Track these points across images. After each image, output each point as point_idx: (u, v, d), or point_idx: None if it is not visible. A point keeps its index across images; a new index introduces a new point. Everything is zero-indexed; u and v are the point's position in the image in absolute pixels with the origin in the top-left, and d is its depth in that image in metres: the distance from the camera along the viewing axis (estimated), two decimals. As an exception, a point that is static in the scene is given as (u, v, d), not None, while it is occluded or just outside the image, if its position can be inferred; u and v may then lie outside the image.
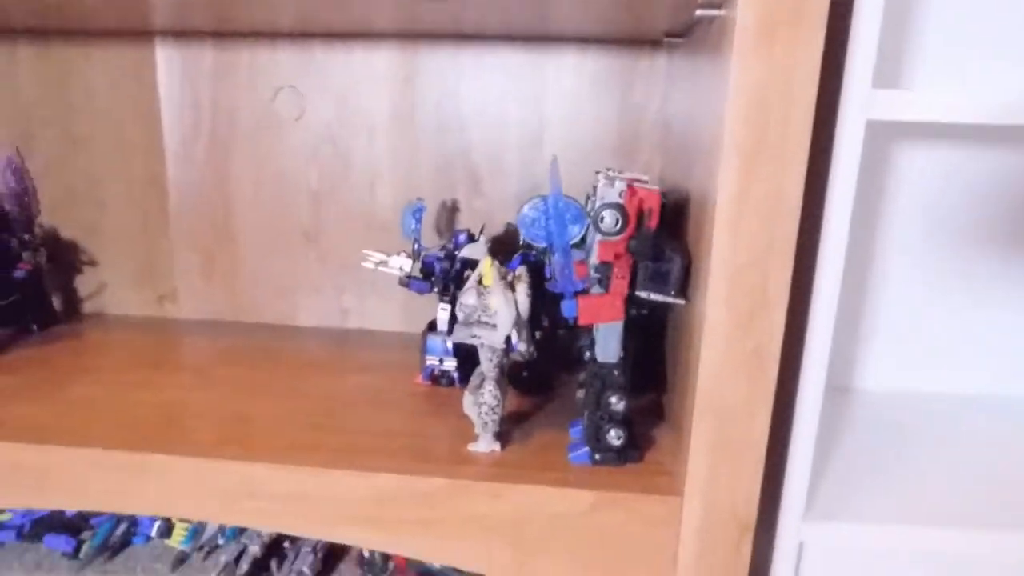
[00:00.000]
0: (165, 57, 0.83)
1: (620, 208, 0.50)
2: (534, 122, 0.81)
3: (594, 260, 0.54)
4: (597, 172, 0.57)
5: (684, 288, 0.54)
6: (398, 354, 0.82)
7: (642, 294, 0.54)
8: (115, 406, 0.66)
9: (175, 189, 0.87)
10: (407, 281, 0.69)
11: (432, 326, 0.73)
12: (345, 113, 0.83)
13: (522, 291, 0.56)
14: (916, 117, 0.52)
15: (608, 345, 0.56)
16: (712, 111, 0.51)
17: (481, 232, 0.75)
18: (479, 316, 0.56)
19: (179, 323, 0.90)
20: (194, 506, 0.58)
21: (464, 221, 0.84)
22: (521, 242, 0.71)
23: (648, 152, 0.80)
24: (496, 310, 0.55)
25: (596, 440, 0.57)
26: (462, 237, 0.72)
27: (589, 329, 0.75)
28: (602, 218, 0.50)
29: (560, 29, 0.74)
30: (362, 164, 0.84)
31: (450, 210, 0.85)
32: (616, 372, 0.56)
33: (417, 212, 0.72)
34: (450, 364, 0.71)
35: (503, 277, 0.57)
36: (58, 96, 0.85)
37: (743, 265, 0.48)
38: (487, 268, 0.57)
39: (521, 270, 0.60)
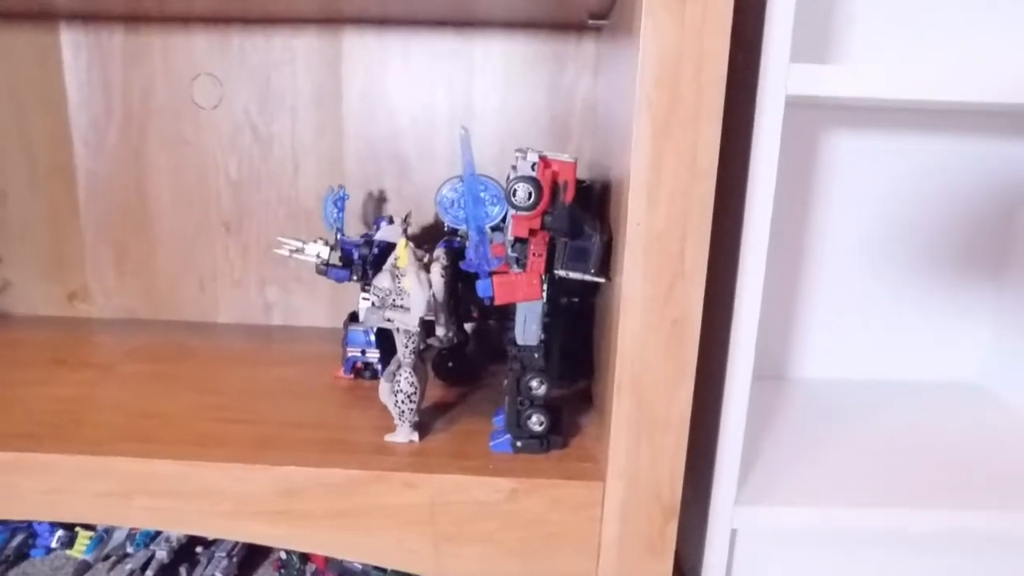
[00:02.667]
0: (71, 42, 0.79)
1: (533, 181, 0.48)
2: (463, 107, 0.79)
3: (509, 236, 0.52)
4: (517, 151, 0.55)
5: (605, 266, 0.53)
6: (322, 348, 0.78)
7: (560, 272, 0.52)
8: (5, 405, 0.61)
9: (85, 178, 0.82)
10: (324, 269, 0.66)
11: (353, 317, 0.70)
12: (266, 99, 0.80)
13: (436, 271, 0.53)
14: (835, 92, 0.52)
15: (528, 327, 0.54)
16: (629, 85, 0.49)
17: (406, 218, 0.73)
18: (393, 299, 0.54)
19: (90, 322, 0.85)
20: (82, 507, 0.54)
21: (392, 210, 0.82)
22: (446, 228, 0.68)
23: (578, 136, 0.79)
24: (409, 292, 0.52)
25: (517, 426, 0.55)
26: (383, 222, 0.69)
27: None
28: (514, 191, 0.48)
29: (487, 13, 0.72)
30: (284, 151, 0.81)
31: (377, 199, 0.82)
32: (536, 355, 0.54)
33: (339, 200, 0.69)
34: (372, 355, 0.68)
35: (419, 259, 0.55)
36: (-45, 80, 0.80)
37: (660, 233, 0.46)
38: (402, 249, 0.54)
39: (438, 251, 0.58)
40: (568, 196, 0.50)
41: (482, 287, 0.51)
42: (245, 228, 0.83)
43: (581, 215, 0.51)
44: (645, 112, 0.45)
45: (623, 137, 0.50)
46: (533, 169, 0.49)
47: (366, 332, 0.68)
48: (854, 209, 0.80)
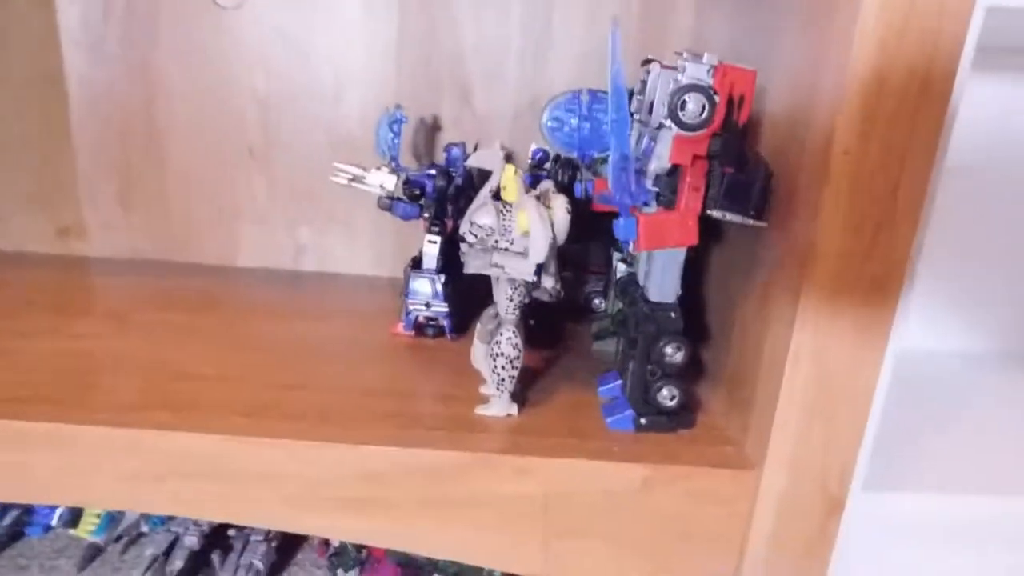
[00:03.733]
0: (63, -85, 0.64)
1: (707, 91, 0.37)
2: (539, 26, 0.67)
3: (657, 165, 0.41)
4: (647, 61, 0.44)
5: (763, 208, 0.43)
6: (368, 299, 0.68)
7: (715, 213, 0.41)
8: (2, 362, 0.50)
9: (79, 89, 0.68)
10: (389, 203, 0.55)
11: (416, 263, 0.59)
12: (303, 2, 0.66)
13: (560, 207, 0.43)
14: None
15: (666, 280, 0.44)
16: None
17: (475, 148, 0.61)
18: (497, 240, 0.43)
19: (88, 261, 0.72)
20: (102, 490, 0.43)
21: (449, 139, 0.70)
22: (531, 159, 0.57)
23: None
24: (528, 232, 0.42)
25: (644, 401, 0.45)
26: (455, 151, 0.58)
27: (601, 272, 0.63)
28: (683, 103, 0.37)
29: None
30: (324, 66, 0.68)
31: (431, 127, 0.70)
32: (673, 315, 0.44)
33: (396, 123, 0.58)
34: (439, 308, 0.57)
35: (535, 194, 0.44)
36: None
37: (873, 167, 0.36)
38: (510, 179, 0.43)
39: (546, 183, 0.47)
40: (743, 115, 0.39)
41: (622, 228, 0.40)
42: (274, 155, 0.70)
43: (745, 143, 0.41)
44: (879, 9, 0.34)
45: (805, 52, 0.40)
46: (709, 75, 0.38)
47: (432, 281, 0.57)
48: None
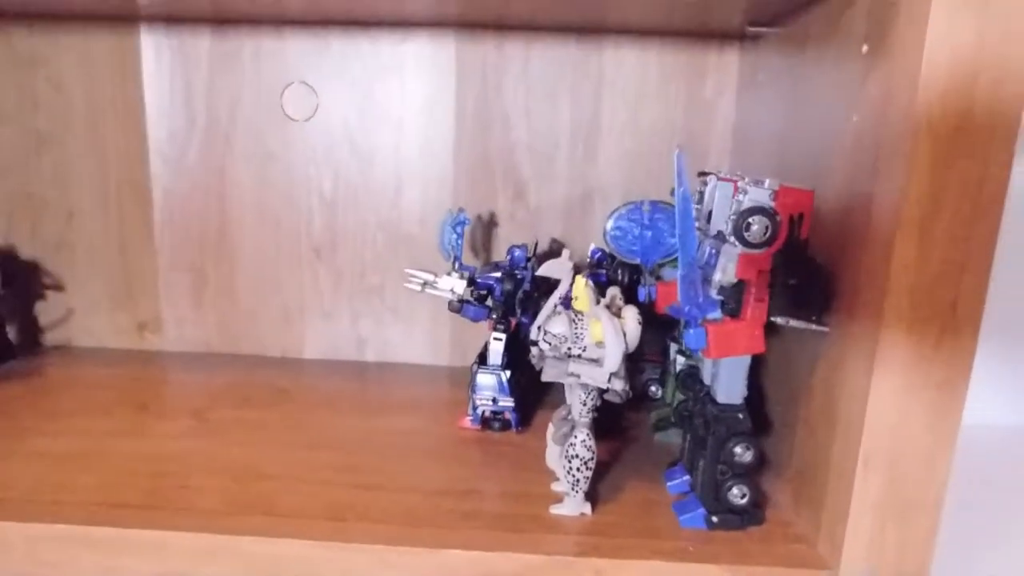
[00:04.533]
0: (153, 44, 0.71)
1: (770, 213, 0.40)
2: (588, 123, 0.71)
3: (721, 277, 0.43)
4: (703, 174, 0.47)
5: (824, 313, 0.45)
6: (430, 391, 0.70)
7: (779, 320, 0.44)
8: (89, 463, 0.53)
9: (161, 196, 0.74)
10: (459, 306, 0.58)
11: (482, 358, 0.61)
12: (366, 109, 0.72)
13: (632, 318, 0.45)
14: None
15: (733, 383, 0.46)
16: (873, 100, 0.41)
17: (535, 247, 0.64)
18: (570, 348, 0.45)
19: (164, 356, 0.76)
20: (208, 597, 0.45)
21: (504, 235, 0.74)
22: (590, 259, 0.60)
23: (717, 156, 0.71)
24: (602, 341, 0.44)
25: (715, 499, 0.47)
26: (518, 252, 0.61)
27: (656, 360, 0.65)
28: (748, 225, 0.40)
29: (619, 20, 0.64)
30: (385, 167, 0.73)
31: (487, 223, 0.74)
32: (741, 416, 0.46)
33: (459, 225, 0.61)
34: (506, 403, 0.60)
35: (606, 304, 0.46)
36: (19, 88, 0.72)
37: (933, 278, 0.38)
38: (581, 289, 0.46)
39: (614, 292, 0.49)
40: (803, 231, 0.42)
41: (693, 338, 0.43)
42: (338, 254, 0.74)
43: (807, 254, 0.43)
44: (926, 134, 0.37)
45: (859, 163, 0.42)
46: (771, 199, 0.40)
47: (498, 376, 0.60)
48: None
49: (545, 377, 0.46)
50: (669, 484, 0.52)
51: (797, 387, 0.50)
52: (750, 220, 0.40)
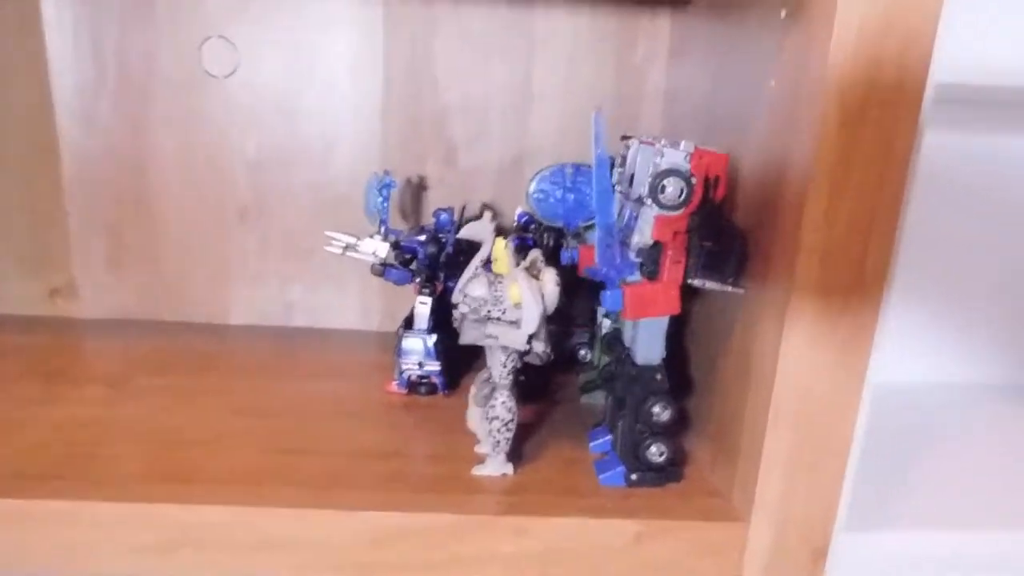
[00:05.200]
0: (55, -6, 0.66)
1: (686, 176, 0.40)
2: (519, 84, 0.70)
3: (639, 239, 0.44)
4: (625, 137, 0.48)
5: (739, 275, 0.46)
6: (360, 356, 0.69)
7: (695, 282, 0.44)
8: (2, 435, 0.50)
9: (70, 155, 0.70)
10: (382, 269, 0.57)
11: (408, 323, 0.61)
12: (292, 67, 0.69)
13: (550, 280, 0.45)
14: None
15: (651, 344, 0.47)
16: (794, 63, 0.42)
17: (463, 210, 0.64)
18: (489, 311, 0.45)
19: (79, 323, 0.73)
20: (117, 567, 0.44)
21: (434, 198, 0.73)
22: (517, 222, 0.60)
23: (648, 121, 0.71)
24: (520, 303, 0.44)
25: (634, 457, 0.48)
26: (444, 216, 0.60)
27: (585, 325, 0.66)
28: (663, 187, 0.40)
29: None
30: (313, 128, 0.71)
31: (417, 187, 0.72)
32: (659, 376, 0.47)
33: (385, 187, 0.60)
34: (432, 367, 0.59)
35: (525, 267, 0.46)
36: (-91, 35, 0.67)
37: (841, 236, 0.39)
38: (500, 251, 0.46)
39: (535, 253, 0.49)
40: (719, 193, 0.42)
41: (610, 299, 0.43)
42: (265, 217, 0.72)
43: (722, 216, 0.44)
44: (835, 97, 0.37)
45: (775, 127, 0.43)
46: (687, 160, 0.41)
47: (424, 340, 0.59)
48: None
49: (463, 340, 0.46)
50: (592, 444, 0.53)
51: (716, 348, 0.52)
52: (665, 182, 0.40)
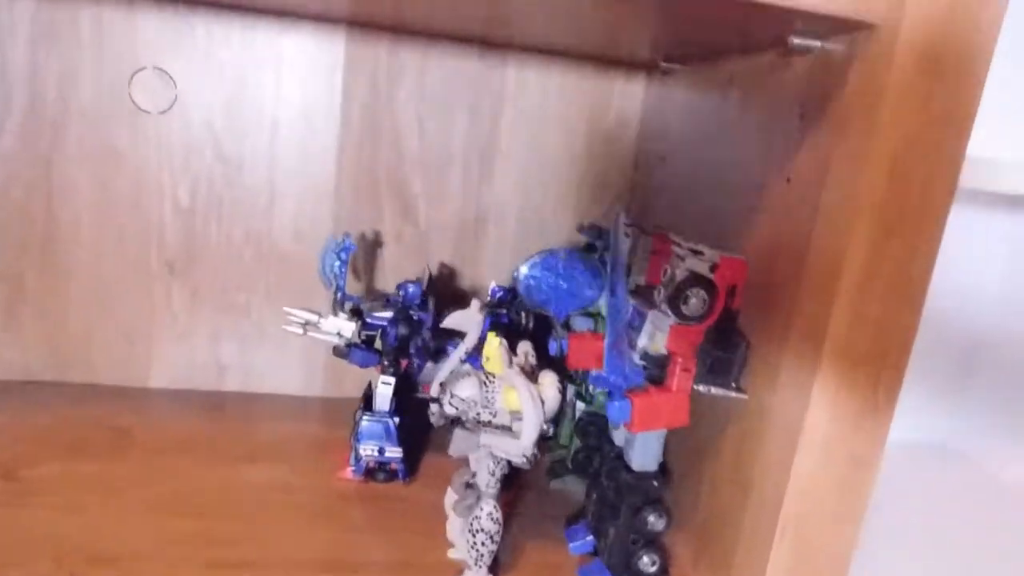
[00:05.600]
0: (-47, 1, 0.57)
1: (711, 286, 0.37)
2: (484, 138, 0.66)
3: (647, 344, 0.41)
4: (618, 216, 0.45)
5: (740, 379, 0.43)
6: (303, 428, 0.63)
7: (701, 388, 0.42)
8: None
9: (-36, 192, 0.60)
10: (346, 351, 0.51)
11: (367, 402, 0.55)
12: (235, 106, 0.62)
13: (551, 386, 0.41)
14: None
15: (648, 450, 0.44)
16: (797, 165, 0.40)
17: (430, 279, 0.59)
18: (479, 413, 0.41)
19: (-37, 385, 0.63)
20: None
21: (390, 256, 0.67)
22: (491, 297, 0.56)
23: (616, 190, 0.69)
24: (518, 411, 0.40)
25: (625, 567, 0.44)
26: (411, 289, 0.55)
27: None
28: (686, 298, 0.37)
29: (527, 36, 0.60)
30: (256, 175, 0.64)
31: (371, 243, 0.67)
32: (656, 483, 0.44)
33: (344, 251, 0.55)
34: (394, 453, 0.54)
35: (520, 365, 0.42)
36: None
37: (858, 359, 0.38)
38: (494, 351, 0.42)
39: (526, 347, 0.45)
40: (736, 303, 0.40)
41: (617, 411, 0.40)
42: (197, 269, 0.64)
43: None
44: (869, 215, 0.36)
45: (792, 227, 0.41)
46: (711, 271, 0.38)
47: (386, 424, 0.54)
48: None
49: (453, 451, 0.41)
50: (572, 544, 0.49)
51: (703, 443, 0.49)
52: (688, 293, 0.37)
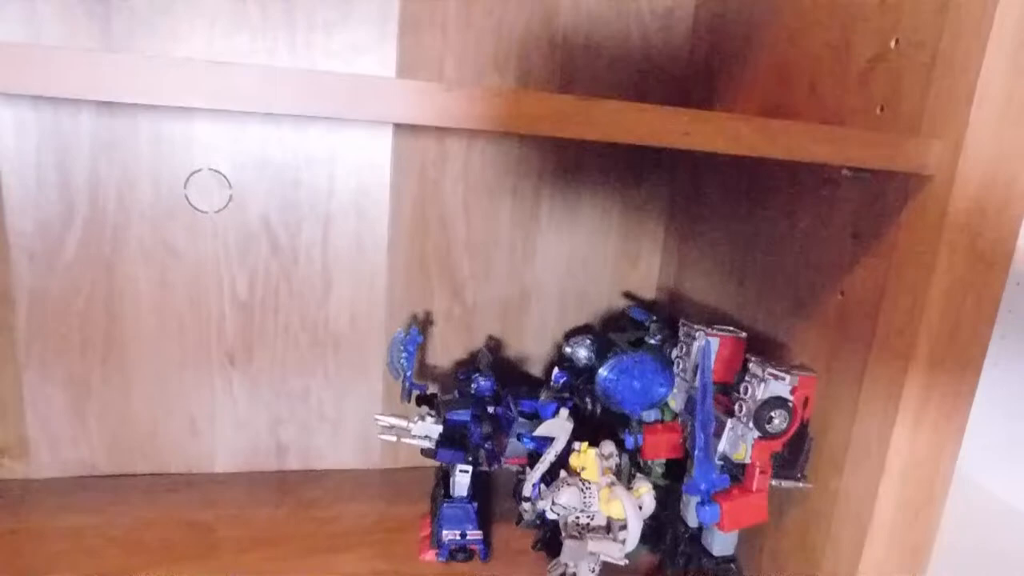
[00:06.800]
0: (13, 116, 0.57)
1: (791, 407, 0.42)
2: (526, 219, 0.70)
3: (728, 451, 0.46)
4: (707, 343, 0.49)
5: (805, 471, 0.49)
6: (371, 508, 0.66)
7: (772, 482, 0.47)
8: None
9: (27, 299, 0.61)
10: (434, 452, 0.55)
11: (445, 489, 0.59)
12: (289, 201, 0.64)
13: (647, 495, 0.46)
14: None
15: (728, 537, 0.49)
16: (850, 280, 0.45)
17: (490, 364, 0.63)
18: (577, 517, 0.45)
19: (35, 485, 0.64)
20: None
21: (440, 333, 0.71)
22: (555, 383, 0.60)
23: (647, 263, 0.74)
24: (618, 518, 0.45)
25: (707, 644, 0.49)
26: (483, 383, 0.59)
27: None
28: (770, 419, 0.42)
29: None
30: (311, 265, 0.66)
31: (423, 322, 0.70)
32: (734, 566, 0.49)
33: (411, 343, 0.58)
34: (475, 536, 0.58)
35: (608, 468, 0.47)
36: None
37: (921, 458, 0.43)
38: (591, 461, 0.46)
39: (610, 447, 0.50)
40: (808, 413, 0.45)
41: (708, 515, 0.44)
42: (255, 359, 0.67)
43: (798, 421, 0.47)
44: (924, 339, 0.41)
45: (845, 342, 0.46)
46: (791, 393, 0.43)
47: (464, 509, 0.58)
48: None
49: (565, 558, 0.45)
50: (649, 617, 0.54)
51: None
52: (772, 414, 0.42)
